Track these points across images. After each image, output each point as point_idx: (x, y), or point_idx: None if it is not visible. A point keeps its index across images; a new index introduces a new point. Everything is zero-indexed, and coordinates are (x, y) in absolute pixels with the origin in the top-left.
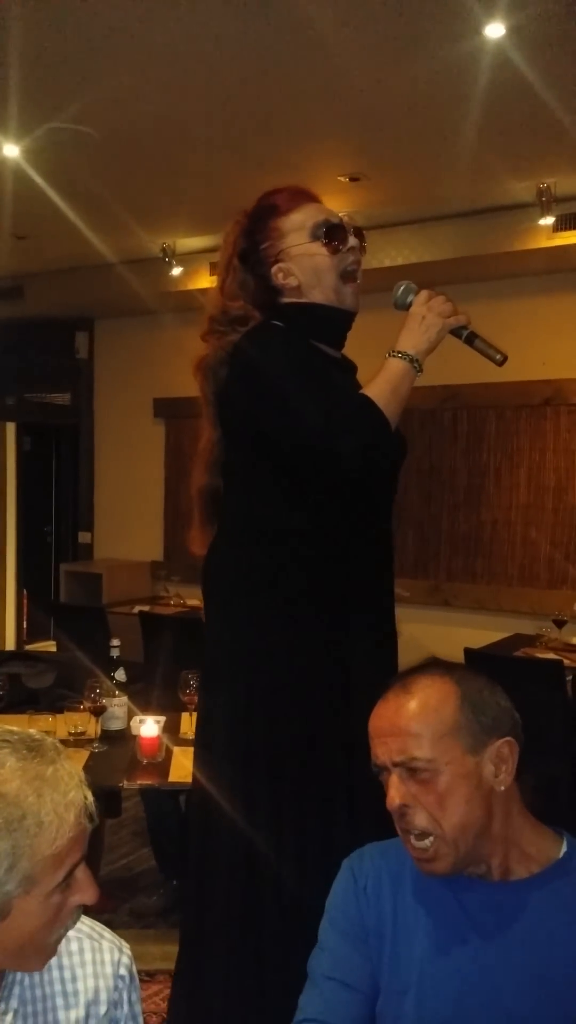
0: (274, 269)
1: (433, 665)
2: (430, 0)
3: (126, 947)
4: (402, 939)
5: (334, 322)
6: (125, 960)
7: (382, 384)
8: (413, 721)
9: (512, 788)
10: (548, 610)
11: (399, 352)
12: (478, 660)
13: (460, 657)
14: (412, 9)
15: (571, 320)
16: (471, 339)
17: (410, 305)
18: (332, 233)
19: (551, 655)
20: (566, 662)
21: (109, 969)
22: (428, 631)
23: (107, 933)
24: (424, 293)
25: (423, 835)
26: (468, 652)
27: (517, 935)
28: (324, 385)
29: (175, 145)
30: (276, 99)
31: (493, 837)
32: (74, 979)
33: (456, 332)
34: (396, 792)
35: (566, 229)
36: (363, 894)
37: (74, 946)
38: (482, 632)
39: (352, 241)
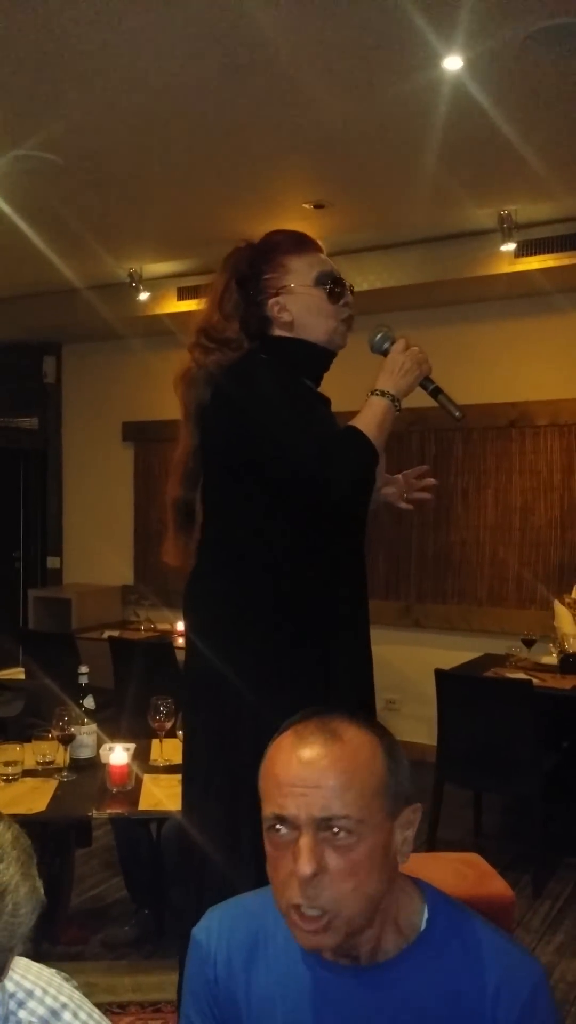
0: (271, 301)
1: (341, 710)
2: (390, 33)
3: None
4: None
5: (319, 359)
6: None
7: (368, 418)
8: (345, 774)
9: None
10: (518, 629)
11: (381, 391)
12: (449, 681)
13: (432, 678)
14: (373, 42)
15: (534, 343)
16: (436, 392)
17: (387, 350)
18: (336, 284)
19: (521, 675)
20: (535, 682)
21: None
22: (400, 652)
23: (95, 1016)
24: (402, 341)
25: (322, 908)
26: (439, 673)
27: (388, 1022)
28: (313, 417)
29: (140, 172)
30: (240, 129)
31: (376, 912)
32: None
33: (423, 384)
34: (311, 856)
35: (527, 255)
36: (215, 985)
37: (59, 1006)
38: (453, 652)
39: (349, 298)
